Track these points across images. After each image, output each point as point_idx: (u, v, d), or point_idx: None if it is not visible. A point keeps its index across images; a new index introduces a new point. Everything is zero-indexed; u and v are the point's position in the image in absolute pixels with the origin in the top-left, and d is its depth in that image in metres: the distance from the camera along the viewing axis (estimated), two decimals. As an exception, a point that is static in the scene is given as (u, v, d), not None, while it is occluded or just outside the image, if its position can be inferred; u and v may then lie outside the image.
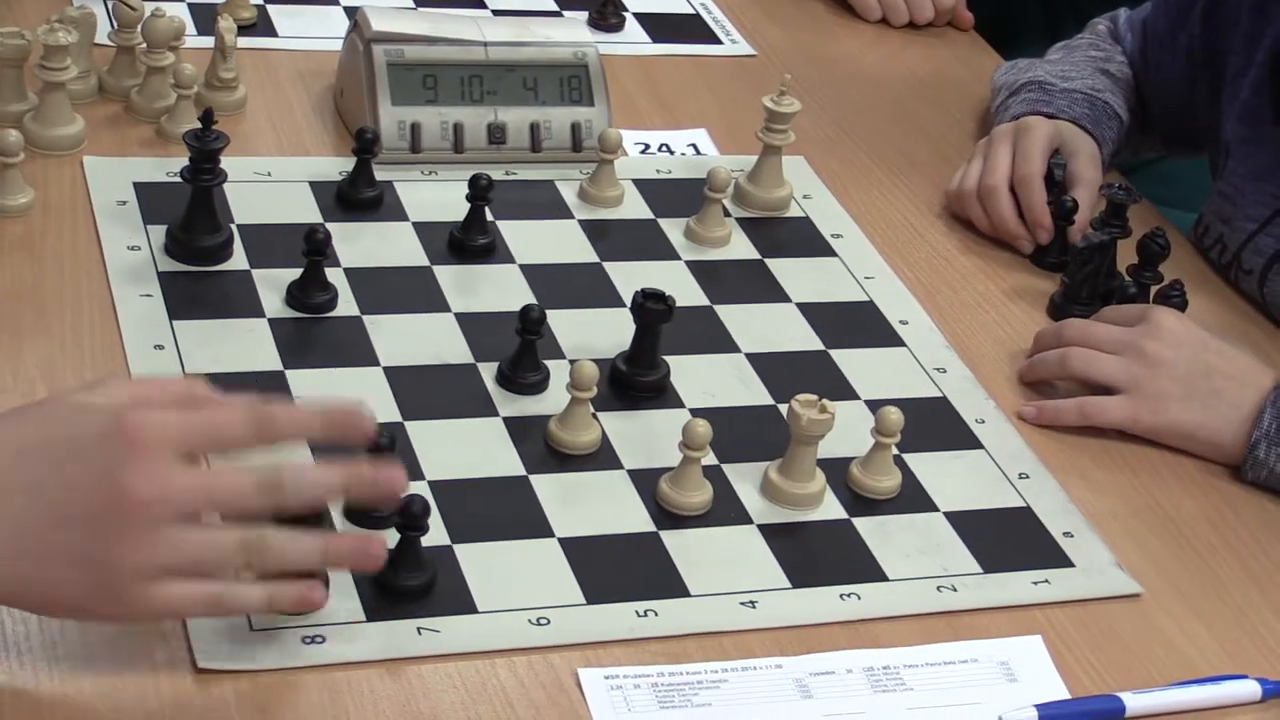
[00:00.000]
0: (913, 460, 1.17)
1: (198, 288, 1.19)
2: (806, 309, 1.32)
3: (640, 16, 1.71)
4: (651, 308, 1.18)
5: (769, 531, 1.10)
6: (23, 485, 0.84)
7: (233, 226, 1.28)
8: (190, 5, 1.57)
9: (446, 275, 1.29)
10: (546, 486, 1.10)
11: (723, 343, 1.27)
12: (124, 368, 1.13)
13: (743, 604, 1.04)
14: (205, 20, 1.53)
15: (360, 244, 1.30)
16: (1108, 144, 1.48)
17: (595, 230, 1.37)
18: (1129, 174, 1.52)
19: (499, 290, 1.28)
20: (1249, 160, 1.43)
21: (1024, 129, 1.45)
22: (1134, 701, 1.01)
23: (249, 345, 1.18)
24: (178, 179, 1.27)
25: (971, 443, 1.21)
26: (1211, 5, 1.50)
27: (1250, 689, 1.03)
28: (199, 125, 1.26)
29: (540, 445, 1.14)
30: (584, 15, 1.65)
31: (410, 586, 1.00)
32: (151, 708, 0.90)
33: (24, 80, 1.35)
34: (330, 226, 1.26)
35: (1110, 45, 1.58)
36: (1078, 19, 1.69)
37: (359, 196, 1.34)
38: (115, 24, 1.43)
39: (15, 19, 1.38)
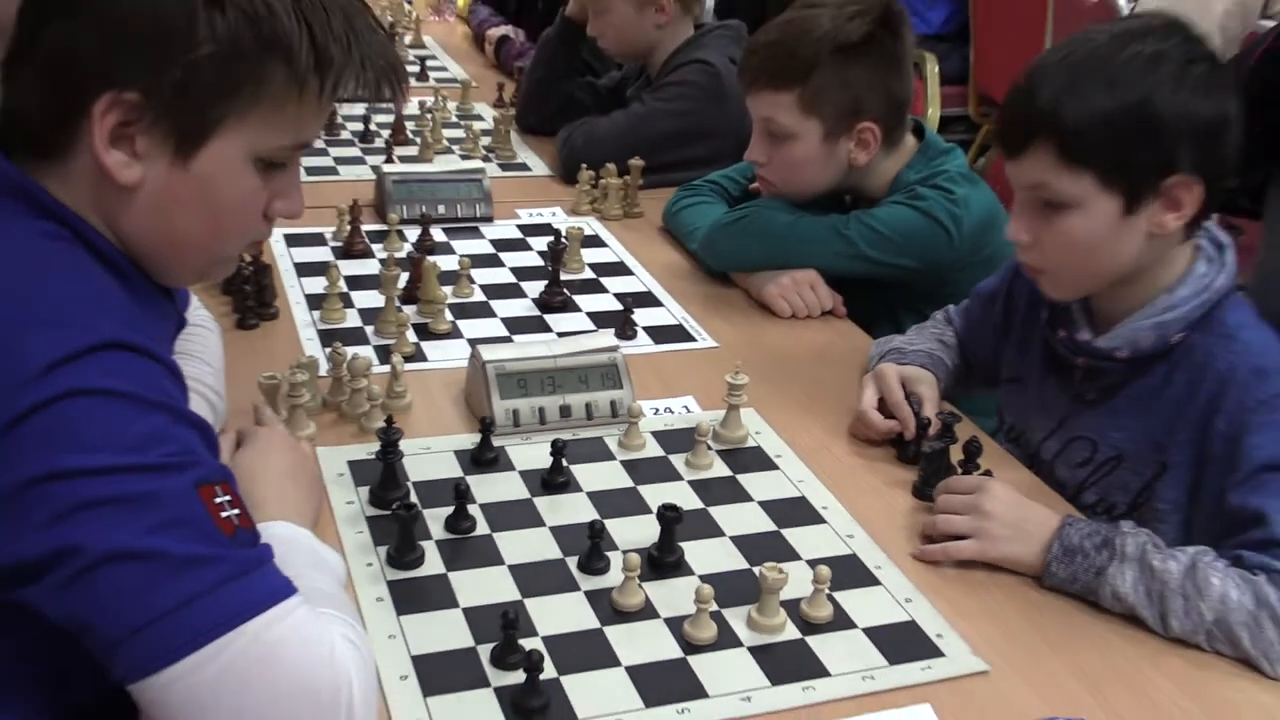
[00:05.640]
0: (839, 596, 1.18)
1: (390, 526, 1.20)
2: (764, 505, 1.32)
3: (647, 328, 1.73)
4: (668, 514, 1.20)
5: (754, 650, 1.10)
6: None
7: (409, 485, 1.30)
8: (375, 347, 1.61)
9: (541, 503, 1.29)
10: (613, 633, 1.11)
11: (714, 531, 1.27)
12: (354, 594, 1.13)
13: (742, 699, 1.05)
14: (384, 356, 1.57)
15: (487, 488, 1.31)
16: (941, 381, 1.50)
17: (630, 467, 1.38)
18: (954, 402, 1.54)
19: (574, 510, 1.29)
20: (1034, 397, 1.45)
21: (879, 373, 1.47)
22: (992, 742, 1.01)
23: (424, 557, 1.19)
24: (373, 457, 1.30)
25: (874, 581, 1.21)
26: (1006, 299, 1.52)
27: (1062, 727, 1.03)
28: (384, 424, 1.30)
29: (607, 608, 1.14)
30: (612, 330, 1.68)
31: (535, 706, 1.00)
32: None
33: (277, 402, 1.38)
34: (468, 479, 1.29)
35: (944, 326, 1.60)
36: (911, 311, 1.71)
37: (484, 458, 1.36)
38: (330, 364, 1.47)
39: (269, 367, 1.42)
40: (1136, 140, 1.21)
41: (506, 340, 1.65)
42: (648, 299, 1.82)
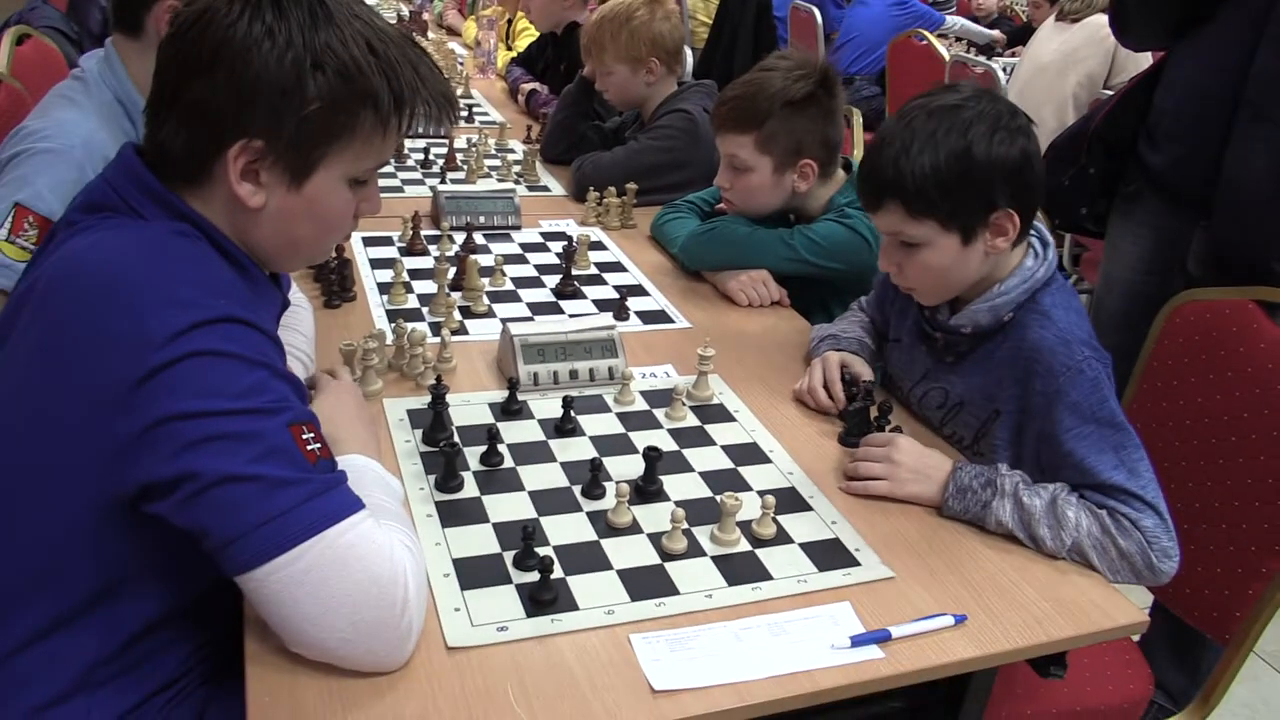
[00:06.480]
0: (781, 518, 1.16)
1: (438, 459, 1.19)
2: (724, 448, 1.31)
3: (637, 312, 1.71)
4: (651, 454, 1.18)
5: (716, 559, 1.09)
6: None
7: (453, 428, 1.28)
8: (429, 323, 1.59)
9: (555, 444, 1.28)
10: (607, 544, 1.10)
11: (686, 468, 1.26)
12: (409, 511, 1.11)
13: (705, 596, 1.03)
14: (436, 330, 1.55)
15: (513, 432, 1.30)
16: (868, 361, 1.48)
17: (623, 418, 1.36)
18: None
19: (579, 450, 1.27)
20: (907, 356, 1.44)
21: (825, 359, 1.45)
22: (896, 630, 1.01)
23: (464, 484, 1.17)
24: (426, 407, 1.28)
25: (808, 507, 1.20)
26: (880, 297, 1.52)
27: (948, 620, 1.03)
28: (435, 382, 1.27)
29: (604, 524, 1.13)
30: (610, 313, 1.65)
31: (546, 599, 0.99)
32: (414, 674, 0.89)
33: (353, 364, 1.36)
34: (499, 424, 1.27)
35: (861, 314, 1.58)
36: (838, 303, 1.69)
37: (511, 409, 1.34)
38: (395, 335, 1.45)
39: (347, 337, 1.40)
40: (962, 190, 1.20)
41: (530, 319, 1.63)
42: (638, 290, 1.80)
